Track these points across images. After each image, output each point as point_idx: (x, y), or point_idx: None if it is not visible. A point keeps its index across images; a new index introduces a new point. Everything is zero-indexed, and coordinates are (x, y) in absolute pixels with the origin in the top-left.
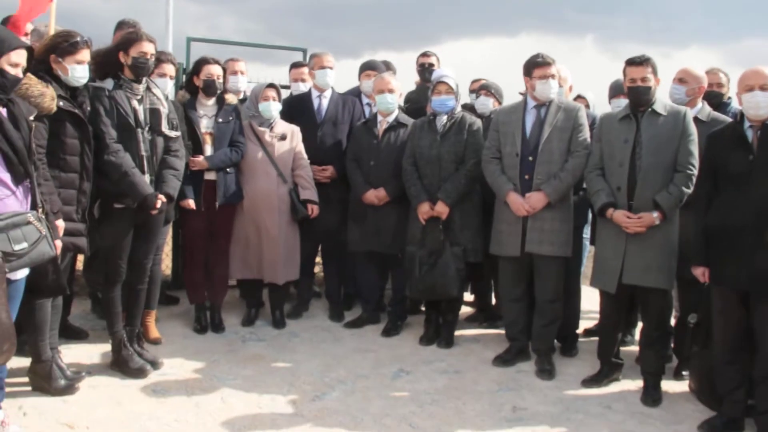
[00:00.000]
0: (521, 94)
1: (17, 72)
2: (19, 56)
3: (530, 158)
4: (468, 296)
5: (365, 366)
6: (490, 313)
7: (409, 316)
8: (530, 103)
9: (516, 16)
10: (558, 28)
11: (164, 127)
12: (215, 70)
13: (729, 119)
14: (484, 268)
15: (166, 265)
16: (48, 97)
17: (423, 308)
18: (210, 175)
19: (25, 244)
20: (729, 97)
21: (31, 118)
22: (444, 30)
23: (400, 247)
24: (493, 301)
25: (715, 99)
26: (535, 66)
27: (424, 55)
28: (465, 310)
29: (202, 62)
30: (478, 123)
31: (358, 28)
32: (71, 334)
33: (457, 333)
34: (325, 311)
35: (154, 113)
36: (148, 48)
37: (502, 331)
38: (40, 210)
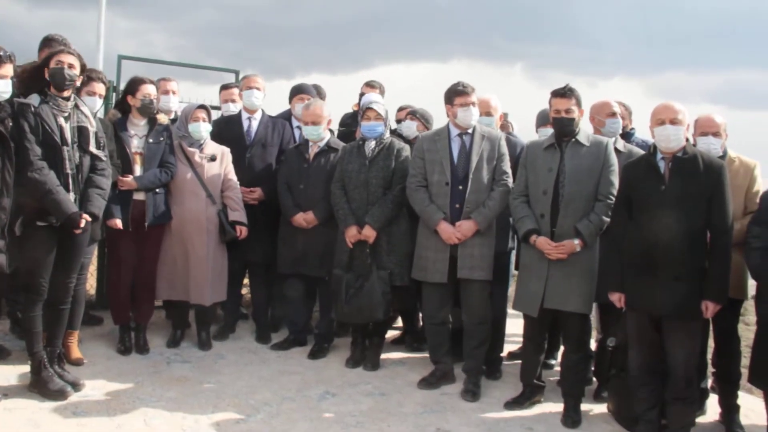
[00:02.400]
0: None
1: None
2: None
3: (460, 187)
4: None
5: (291, 388)
6: (416, 336)
7: (336, 338)
8: (453, 131)
9: (448, 42)
10: (488, 55)
11: (92, 146)
12: (152, 90)
13: (642, 151)
14: (411, 291)
15: (91, 284)
16: None
17: (350, 331)
18: (139, 195)
19: None
20: (632, 128)
21: None
22: (377, 54)
23: (327, 270)
24: (420, 324)
25: (622, 130)
26: (456, 94)
27: (368, 85)
28: (391, 333)
29: (138, 82)
30: (407, 149)
31: (291, 49)
32: None
33: (383, 356)
34: (252, 333)
35: (82, 131)
36: (68, 59)
37: (428, 354)
38: None
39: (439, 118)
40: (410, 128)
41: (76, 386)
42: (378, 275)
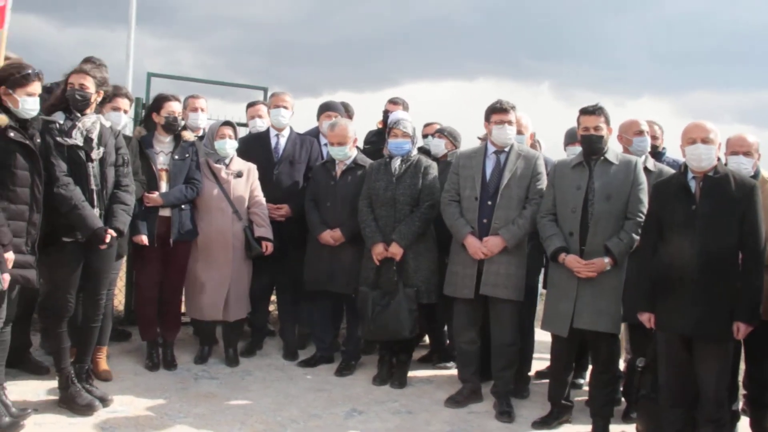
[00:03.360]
0: (480, 138)
1: None
2: None
3: (489, 202)
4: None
5: (318, 405)
6: (443, 354)
7: (363, 355)
8: (490, 149)
9: (474, 60)
10: (515, 74)
11: (94, 153)
12: (176, 107)
13: (673, 170)
14: (439, 309)
15: (119, 300)
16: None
17: (377, 348)
18: (165, 212)
19: None
20: (664, 147)
21: None
22: (403, 72)
23: (354, 288)
24: (447, 341)
25: (655, 149)
26: (493, 111)
27: (392, 102)
28: (419, 350)
29: (163, 99)
30: (434, 167)
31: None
32: (32, 368)
33: (410, 374)
34: (279, 350)
35: (87, 140)
36: (82, 80)
37: (455, 372)
38: None
39: (466, 136)
40: (438, 146)
41: (104, 401)
42: (405, 293)
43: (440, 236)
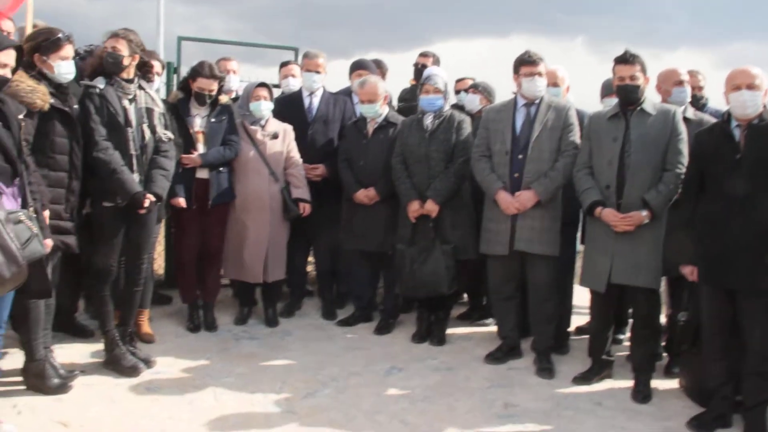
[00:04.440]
0: (514, 93)
1: (5, 72)
2: (8, 56)
3: (520, 156)
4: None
5: (357, 364)
6: (482, 311)
7: (402, 314)
8: (520, 102)
9: (506, 17)
10: (548, 30)
11: (159, 128)
12: (207, 85)
13: (714, 119)
14: (476, 264)
15: (159, 264)
16: (40, 93)
17: (415, 306)
18: (202, 174)
19: (17, 243)
20: (706, 98)
21: (21, 116)
22: (434, 31)
23: (390, 246)
24: (486, 298)
25: (697, 101)
26: (522, 63)
27: (422, 55)
28: (457, 307)
29: (197, 72)
30: (467, 121)
31: (348, 28)
32: (77, 331)
33: (449, 331)
34: (318, 309)
35: (150, 113)
36: (114, 43)
37: (494, 329)
38: (31, 209)
39: (501, 94)
40: (473, 102)
41: (148, 363)
42: (442, 249)
43: (476, 192)
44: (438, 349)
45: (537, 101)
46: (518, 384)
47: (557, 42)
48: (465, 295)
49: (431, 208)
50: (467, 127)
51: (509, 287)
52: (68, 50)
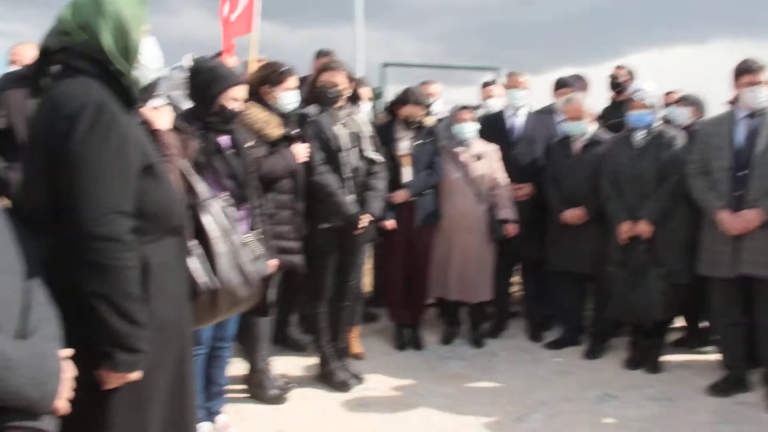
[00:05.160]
0: (730, 104)
1: (236, 106)
2: (239, 92)
3: (742, 172)
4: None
5: (568, 389)
6: (700, 338)
7: (612, 338)
8: (739, 113)
9: (704, 22)
10: (751, 32)
11: (368, 151)
12: (415, 112)
13: None
14: (693, 288)
15: (367, 283)
16: (272, 124)
17: (626, 330)
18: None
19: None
20: None
21: (250, 144)
22: (627, 42)
23: (600, 268)
24: (704, 324)
25: None
26: (743, 72)
27: (617, 67)
28: (672, 333)
29: (406, 99)
30: (680, 137)
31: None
32: (291, 345)
33: (664, 358)
34: (524, 331)
35: (359, 136)
36: (333, 78)
37: (714, 358)
38: (258, 231)
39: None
40: (682, 115)
41: (358, 379)
42: (656, 272)
43: (692, 211)
44: (653, 377)
45: (759, 112)
46: (748, 420)
47: (763, 45)
48: (680, 319)
49: (644, 228)
50: (680, 143)
51: (735, 312)
52: (292, 81)
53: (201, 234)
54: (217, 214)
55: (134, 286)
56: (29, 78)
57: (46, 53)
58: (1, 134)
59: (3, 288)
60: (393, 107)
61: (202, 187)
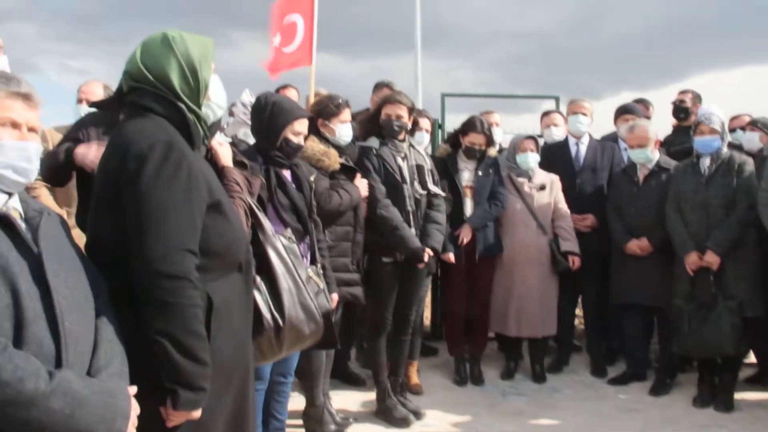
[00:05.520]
0: None
1: (299, 140)
2: (302, 125)
3: None
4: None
5: (634, 427)
6: None
7: (679, 373)
8: None
9: (765, 41)
10: None
11: (429, 183)
12: (479, 140)
13: None
14: (766, 322)
15: (426, 316)
16: (332, 157)
17: (695, 365)
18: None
19: (315, 302)
20: None
21: (312, 178)
22: (688, 64)
23: (666, 300)
24: None
25: None
26: None
27: (682, 92)
28: (744, 370)
29: (471, 127)
30: (750, 163)
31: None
32: (350, 379)
33: (736, 396)
34: (587, 366)
35: (420, 170)
36: (398, 110)
37: None
38: (319, 265)
39: None
40: (752, 140)
41: (417, 415)
42: (725, 305)
43: (763, 240)
44: (726, 416)
45: None
46: None
47: None
48: (752, 355)
49: (712, 260)
50: (749, 169)
51: None
52: (347, 114)
53: (266, 270)
54: (281, 251)
55: (198, 324)
56: (104, 116)
57: (120, 93)
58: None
59: (76, 325)
60: (455, 136)
61: (267, 223)
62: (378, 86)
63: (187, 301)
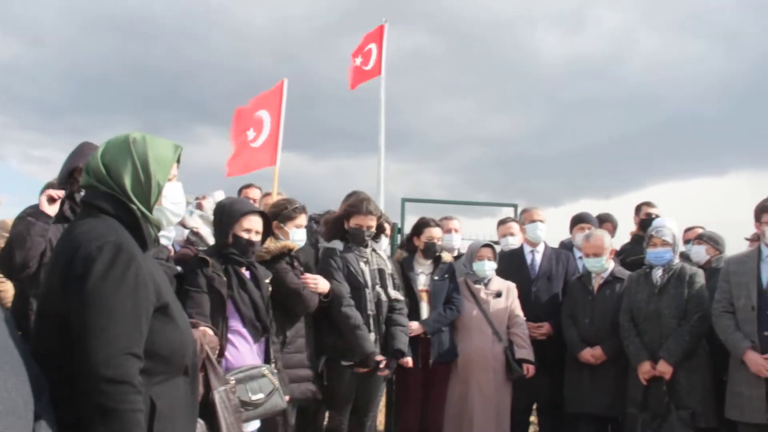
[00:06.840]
0: (747, 239)
1: (250, 236)
2: (251, 222)
3: None
4: None
5: None
6: None
7: None
8: (765, 251)
9: (723, 153)
10: None
11: (390, 288)
12: (435, 233)
13: None
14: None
15: (380, 420)
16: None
17: None
18: None
19: (261, 395)
20: None
21: (267, 280)
22: (645, 173)
23: (620, 409)
24: None
25: None
26: (763, 211)
27: (647, 204)
28: None
29: (424, 225)
30: (700, 274)
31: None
32: None
33: None
34: None
35: (381, 274)
36: (369, 222)
37: None
38: (274, 364)
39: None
40: (699, 254)
41: None
42: (678, 415)
43: (714, 351)
44: None
45: None
46: None
47: None
48: None
49: (664, 369)
50: (700, 281)
51: None
52: (302, 219)
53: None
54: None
55: (140, 429)
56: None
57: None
58: None
59: (12, 429)
60: (410, 239)
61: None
62: (351, 195)
63: (129, 406)
